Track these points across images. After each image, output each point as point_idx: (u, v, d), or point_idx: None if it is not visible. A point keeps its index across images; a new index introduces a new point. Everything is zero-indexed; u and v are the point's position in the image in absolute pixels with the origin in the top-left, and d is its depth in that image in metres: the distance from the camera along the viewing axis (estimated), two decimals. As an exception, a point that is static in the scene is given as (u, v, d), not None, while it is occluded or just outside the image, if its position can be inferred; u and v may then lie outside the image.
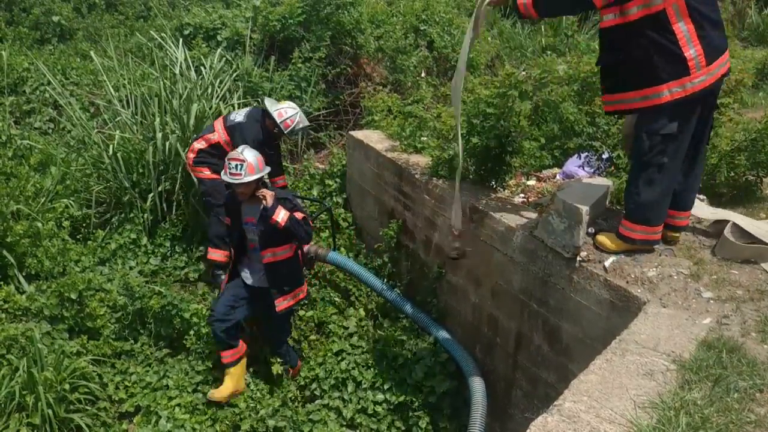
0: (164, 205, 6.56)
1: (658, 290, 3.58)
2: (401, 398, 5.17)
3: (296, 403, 5.24)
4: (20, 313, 5.39)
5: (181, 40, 7.92)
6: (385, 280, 6.18)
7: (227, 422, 5.06)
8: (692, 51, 3.40)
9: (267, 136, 6.08)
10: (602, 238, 3.98)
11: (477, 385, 4.76)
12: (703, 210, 4.31)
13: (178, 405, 5.03)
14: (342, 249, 6.85)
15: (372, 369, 5.35)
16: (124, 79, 7.42)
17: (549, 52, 8.02)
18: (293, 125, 6.11)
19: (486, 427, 4.54)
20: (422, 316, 5.64)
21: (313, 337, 5.71)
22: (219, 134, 6.08)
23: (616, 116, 4.49)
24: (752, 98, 6.26)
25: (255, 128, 6.03)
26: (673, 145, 3.57)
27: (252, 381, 5.40)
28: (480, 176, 5.29)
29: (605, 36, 3.66)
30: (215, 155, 5.98)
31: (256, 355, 5.63)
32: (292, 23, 8.46)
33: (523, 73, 5.31)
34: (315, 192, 7.38)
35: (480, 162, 5.23)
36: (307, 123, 6.37)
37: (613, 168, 5.05)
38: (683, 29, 3.38)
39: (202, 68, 7.63)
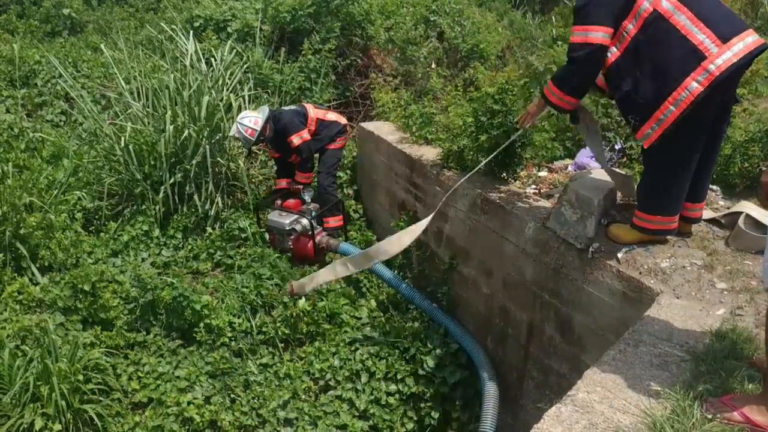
0: (176, 196, 6.58)
1: (672, 281, 3.57)
2: (413, 389, 5.18)
3: (310, 394, 5.26)
4: (34, 304, 5.45)
5: (191, 32, 7.91)
6: (397, 271, 6.19)
7: (237, 413, 5.09)
8: (699, 36, 3.35)
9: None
10: (615, 230, 3.97)
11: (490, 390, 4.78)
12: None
13: (189, 402, 5.05)
14: (353, 240, 6.86)
15: (385, 360, 5.36)
16: (135, 72, 7.43)
17: (560, 43, 7.96)
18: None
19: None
20: (434, 309, 5.66)
21: (326, 326, 5.73)
22: None
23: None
24: (766, 88, 6.19)
25: None
26: (690, 134, 3.52)
27: (264, 373, 5.42)
28: (491, 168, 5.28)
29: (613, 72, 3.59)
30: None
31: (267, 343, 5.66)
32: (302, 14, 8.46)
33: (535, 63, 5.28)
34: (326, 183, 7.38)
35: (490, 154, 5.21)
36: (235, 133, 6.52)
37: (625, 158, 5.03)
38: (681, 20, 3.36)
39: (212, 60, 7.63)
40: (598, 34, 3.43)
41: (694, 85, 3.30)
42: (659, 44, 3.38)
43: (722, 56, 3.30)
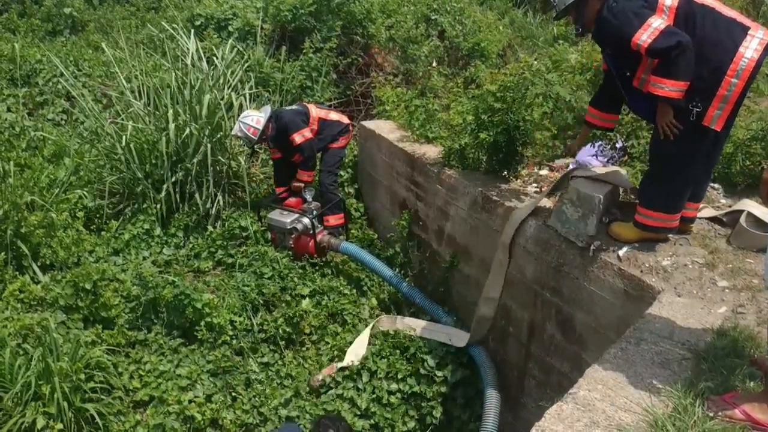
0: (177, 195, 6.58)
1: (673, 279, 3.57)
2: (414, 388, 5.17)
3: (311, 393, 5.25)
4: (36, 303, 5.44)
5: (192, 30, 7.91)
6: (398, 269, 6.19)
7: (238, 411, 5.09)
8: (730, 12, 3.38)
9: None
10: (617, 228, 3.96)
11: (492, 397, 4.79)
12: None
13: (190, 401, 5.04)
14: (354, 239, 6.86)
15: (386, 359, 5.36)
16: (136, 71, 7.44)
17: (561, 41, 7.96)
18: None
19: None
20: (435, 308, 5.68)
21: (331, 327, 5.74)
22: None
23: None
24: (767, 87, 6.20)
25: None
26: (699, 132, 3.50)
27: (266, 372, 5.42)
28: (492, 167, 5.28)
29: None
30: None
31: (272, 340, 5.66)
32: (303, 13, 8.45)
33: (535, 62, 5.28)
34: (327, 182, 7.38)
35: (492, 153, 5.21)
36: (237, 132, 6.51)
37: (626, 157, 5.03)
38: (708, 2, 3.42)
39: (213, 59, 7.63)
40: (658, 21, 3.34)
41: (749, 52, 3.29)
42: (700, 25, 3.36)
43: (759, 29, 3.32)
